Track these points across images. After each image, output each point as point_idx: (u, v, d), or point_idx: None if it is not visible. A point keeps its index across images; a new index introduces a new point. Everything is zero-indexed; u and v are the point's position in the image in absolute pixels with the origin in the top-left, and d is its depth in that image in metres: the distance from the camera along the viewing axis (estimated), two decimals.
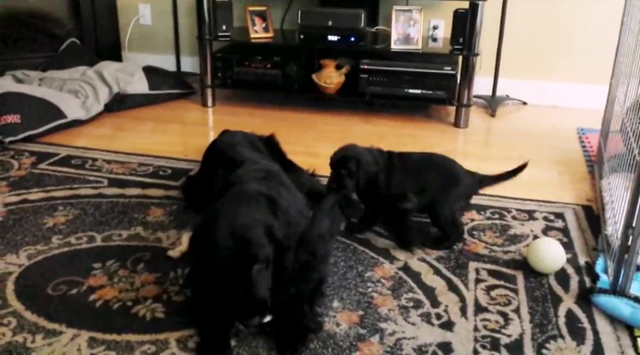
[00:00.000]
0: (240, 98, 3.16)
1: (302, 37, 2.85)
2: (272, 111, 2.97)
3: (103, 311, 1.36)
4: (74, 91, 2.71)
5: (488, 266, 1.60)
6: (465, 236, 1.74)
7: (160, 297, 1.42)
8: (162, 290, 1.45)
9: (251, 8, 2.97)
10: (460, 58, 2.81)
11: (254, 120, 2.85)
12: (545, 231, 1.79)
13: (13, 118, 2.36)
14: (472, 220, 1.85)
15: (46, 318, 1.33)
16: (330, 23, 2.80)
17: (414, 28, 2.76)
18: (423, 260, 1.61)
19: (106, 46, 3.36)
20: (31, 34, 3.31)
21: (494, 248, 1.69)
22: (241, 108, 3.03)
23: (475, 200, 1.98)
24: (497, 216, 1.89)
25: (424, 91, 2.80)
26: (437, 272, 1.55)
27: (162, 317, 1.35)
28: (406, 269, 1.56)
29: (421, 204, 1.69)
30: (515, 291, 1.48)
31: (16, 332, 1.28)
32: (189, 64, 3.52)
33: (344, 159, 1.69)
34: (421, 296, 1.44)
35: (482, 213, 1.90)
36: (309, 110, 2.99)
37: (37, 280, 1.47)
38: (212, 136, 2.62)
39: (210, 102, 3.04)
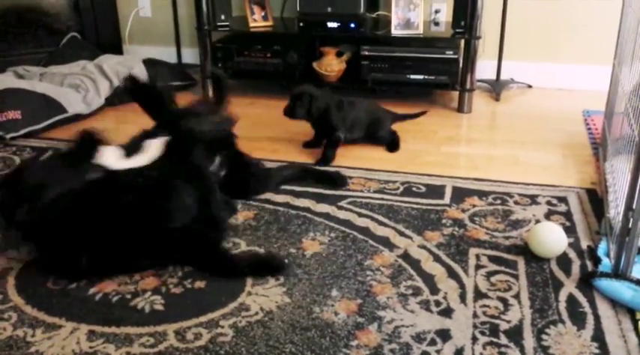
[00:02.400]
0: (241, 88, 3.15)
1: (301, 24, 2.83)
2: (273, 101, 2.95)
3: (102, 305, 1.37)
4: (75, 86, 2.71)
5: (489, 252, 1.58)
6: (466, 222, 1.73)
7: (159, 289, 1.42)
8: (161, 282, 1.45)
9: None
10: (462, 41, 2.78)
11: (255, 110, 2.84)
12: (548, 216, 1.77)
13: (14, 114, 2.36)
14: (473, 206, 1.83)
15: (46, 312, 1.34)
16: (329, 9, 2.77)
17: (415, 12, 2.73)
18: (423, 247, 1.60)
19: (107, 40, 3.36)
20: (32, 29, 3.31)
21: (496, 234, 1.67)
22: (243, 98, 3.02)
23: (476, 185, 1.97)
24: (499, 201, 1.87)
25: (427, 77, 2.77)
26: (437, 259, 1.54)
27: (161, 310, 1.35)
28: (406, 256, 1.55)
29: (355, 136, 2.30)
30: (516, 277, 1.47)
31: (17, 327, 1.29)
32: (190, 55, 3.51)
33: (300, 94, 2.22)
34: (420, 284, 1.43)
35: (483, 198, 1.88)
36: None
37: (37, 275, 1.47)
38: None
39: (211, 93, 3.03)
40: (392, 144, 2.34)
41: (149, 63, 3.04)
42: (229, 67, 3.00)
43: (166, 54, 3.43)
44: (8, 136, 2.33)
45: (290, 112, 2.25)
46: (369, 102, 2.42)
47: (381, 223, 1.73)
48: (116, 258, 1.45)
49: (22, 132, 2.37)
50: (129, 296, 1.39)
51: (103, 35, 3.33)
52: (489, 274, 1.48)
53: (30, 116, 2.40)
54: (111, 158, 1.57)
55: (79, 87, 2.71)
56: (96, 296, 1.40)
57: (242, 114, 2.50)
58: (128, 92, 1.86)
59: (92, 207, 1.43)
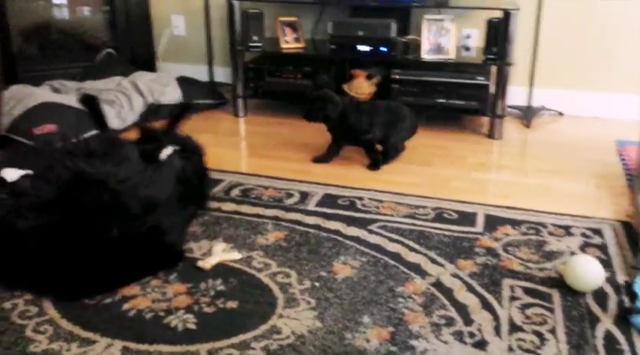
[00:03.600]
0: (271, 108, 3.17)
1: (333, 47, 2.85)
2: (303, 122, 2.95)
3: (136, 321, 1.37)
4: (110, 101, 2.76)
5: (524, 283, 1.56)
6: (500, 251, 1.71)
7: (192, 308, 1.43)
8: (193, 300, 1.46)
9: (282, 19, 2.99)
10: (494, 67, 2.77)
11: (284, 130, 2.86)
12: (583, 248, 1.75)
13: (51, 128, 2.41)
14: (506, 235, 1.81)
15: (81, 327, 1.35)
16: (360, 33, 2.80)
17: (446, 37, 2.74)
18: (455, 275, 1.58)
19: (141, 57, 3.42)
20: (69, 44, 3.40)
21: (530, 264, 1.65)
22: (272, 118, 3.05)
23: (509, 214, 1.95)
24: (532, 231, 1.85)
25: (457, 102, 2.77)
26: (470, 288, 1.53)
27: (194, 329, 1.35)
28: (438, 285, 1.54)
29: (378, 136, 2.36)
30: (552, 310, 1.44)
31: (52, 340, 1.31)
32: (222, 74, 3.55)
33: (317, 97, 2.37)
34: (453, 314, 1.42)
35: (516, 228, 1.86)
36: None
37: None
38: (243, 147, 2.64)
39: (241, 112, 3.07)
40: (379, 159, 2.37)
41: (182, 81, 3.09)
42: (260, 86, 3.04)
43: (198, 72, 3.49)
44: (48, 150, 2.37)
45: (308, 115, 2.36)
46: (389, 103, 2.47)
47: (412, 249, 1.72)
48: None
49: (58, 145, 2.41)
50: (162, 314, 1.40)
51: (137, 52, 3.40)
52: (524, 306, 1.46)
53: (65, 130, 2.45)
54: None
55: (113, 103, 2.76)
56: (130, 312, 1.41)
57: (271, 134, 2.54)
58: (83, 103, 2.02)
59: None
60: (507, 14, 2.58)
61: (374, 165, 2.36)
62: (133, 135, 1.99)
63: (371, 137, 2.34)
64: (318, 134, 2.79)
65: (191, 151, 1.86)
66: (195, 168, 1.82)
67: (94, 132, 2.53)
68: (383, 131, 2.35)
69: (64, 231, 1.45)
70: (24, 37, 3.31)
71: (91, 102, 1.98)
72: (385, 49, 2.78)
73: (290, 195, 2.09)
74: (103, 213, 1.48)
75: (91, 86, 2.91)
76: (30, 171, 1.63)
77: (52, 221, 1.44)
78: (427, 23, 2.72)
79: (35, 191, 1.51)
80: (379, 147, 2.40)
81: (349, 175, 2.30)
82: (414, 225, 1.87)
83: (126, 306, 1.43)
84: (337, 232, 1.82)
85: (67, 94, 2.80)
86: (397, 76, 2.79)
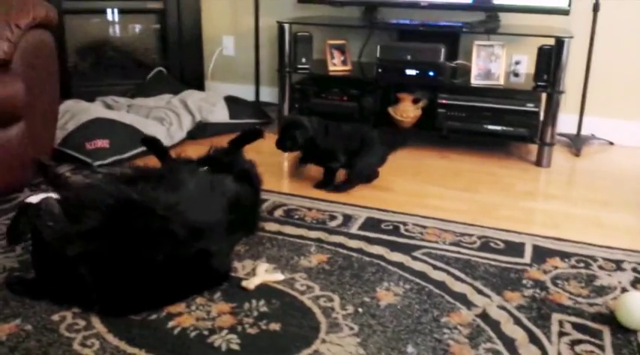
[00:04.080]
0: None
1: (380, 70, 2.86)
2: None
3: (180, 339, 1.39)
4: (159, 119, 2.83)
5: (573, 318, 1.51)
6: (548, 284, 1.67)
7: (235, 328, 1.43)
8: (237, 321, 1.46)
9: (330, 42, 3.03)
10: (544, 94, 2.73)
11: None
12: (634, 284, 1.68)
13: (103, 143, 2.49)
14: (555, 268, 1.76)
15: (127, 342, 1.37)
16: (408, 57, 2.80)
17: (496, 63, 2.72)
18: (502, 307, 1.55)
19: (190, 75, 3.50)
20: (122, 62, 3.52)
21: (579, 299, 1.60)
22: None
23: (557, 246, 1.90)
24: (582, 264, 1.79)
25: (505, 128, 2.73)
26: (517, 322, 1.49)
27: (237, 349, 1.36)
28: (484, 316, 1.50)
29: (345, 161, 2.34)
30: (602, 348, 1.39)
31: None
32: (268, 94, 3.61)
33: (286, 125, 2.35)
34: (500, 347, 1.38)
35: (565, 260, 1.81)
36: None
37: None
38: (286, 167, 2.65)
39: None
40: (329, 181, 2.36)
41: (229, 100, 3.14)
42: (306, 107, 3.07)
43: (245, 91, 3.55)
44: (96, 164, 2.44)
45: (279, 145, 2.34)
46: (360, 127, 2.45)
47: (457, 278, 1.69)
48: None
49: (109, 160, 2.49)
50: (206, 333, 1.41)
51: (187, 71, 3.48)
52: (573, 343, 1.41)
53: (117, 146, 2.52)
54: None
55: (163, 120, 2.83)
56: (174, 330, 1.42)
57: None
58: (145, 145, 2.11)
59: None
60: (560, 42, 2.54)
61: (322, 185, 2.36)
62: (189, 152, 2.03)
63: (337, 165, 2.35)
64: None
65: (249, 177, 1.87)
66: (249, 194, 1.84)
67: (143, 149, 2.60)
68: (347, 157, 2.33)
69: (112, 256, 1.47)
70: (79, 53, 3.45)
71: (152, 143, 2.03)
72: (433, 74, 2.78)
73: (333, 218, 2.09)
74: (149, 239, 1.50)
75: (142, 103, 2.99)
76: (54, 195, 1.66)
77: (99, 247, 1.47)
78: (477, 48, 2.70)
79: (83, 217, 1.54)
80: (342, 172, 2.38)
81: (392, 199, 2.28)
82: (460, 253, 1.84)
83: (171, 324, 1.45)
84: (380, 257, 1.80)
85: (119, 111, 2.88)
86: (444, 101, 2.78)
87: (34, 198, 1.59)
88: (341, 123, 2.44)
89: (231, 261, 1.73)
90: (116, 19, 3.48)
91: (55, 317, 1.46)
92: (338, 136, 2.36)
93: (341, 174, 2.41)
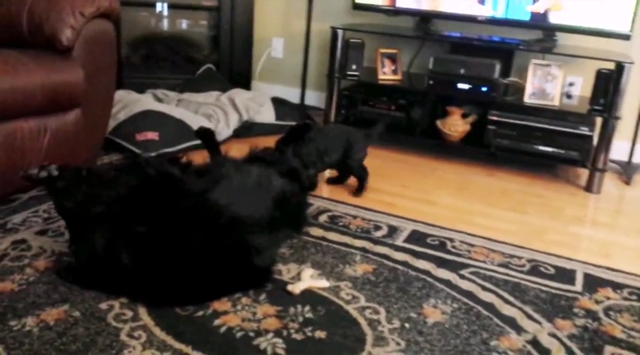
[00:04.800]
0: None
1: (431, 82, 2.83)
2: (391, 153, 2.96)
3: (226, 338, 1.38)
4: (207, 115, 2.85)
5: (626, 352, 1.46)
6: (601, 315, 1.61)
7: (281, 332, 1.42)
8: (282, 325, 1.45)
9: (382, 50, 3.01)
10: (598, 119, 2.66)
11: (372, 160, 2.82)
12: None
13: (153, 135, 2.51)
14: (607, 298, 1.71)
15: (174, 337, 1.36)
16: (462, 71, 2.76)
17: (552, 83, 2.66)
18: (553, 335, 1.50)
19: (238, 74, 3.52)
20: (173, 56, 3.55)
21: (633, 333, 1.54)
22: None
23: (610, 275, 1.84)
24: (635, 297, 1.73)
25: (556, 150, 2.67)
26: (569, 351, 1.44)
27: (282, 354, 1.34)
28: (535, 343, 1.46)
29: (330, 162, 2.31)
30: None
31: (146, 347, 1.33)
32: (312, 98, 3.60)
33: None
34: None
35: (618, 291, 1.75)
36: (429, 156, 2.94)
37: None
38: (330, 172, 2.63)
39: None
40: (359, 184, 2.38)
41: (276, 101, 3.15)
42: (352, 114, 3.05)
43: (290, 94, 3.55)
44: (144, 155, 2.46)
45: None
46: (340, 127, 2.53)
47: (506, 301, 1.65)
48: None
49: (157, 153, 2.50)
50: (252, 334, 1.40)
51: (235, 69, 3.50)
52: None
53: (166, 138, 2.54)
54: None
55: (211, 117, 2.84)
56: (221, 328, 1.42)
57: None
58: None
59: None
60: (620, 67, 2.48)
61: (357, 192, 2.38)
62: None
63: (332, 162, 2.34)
64: (407, 166, 2.77)
65: (297, 176, 1.87)
66: (297, 193, 1.83)
67: (192, 143, 2.62)
68: (338, 157, 2.33)
69: (151, 238, 1.49)
70: (131, 45, 3.50)
71: (207, 135, 2.05)
72: (486, 89, 2.73)
73: (378, 228, 2.06)
74: (182, 217, 1.51)
75: (191, 98, 3.01)
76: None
77: (124, 211, 1.51)
78: (533, 67, 2.65)
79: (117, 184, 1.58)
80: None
81: (437, 213, 2.25)
82: (509, 275, 1.80)
83: (217, 322, 1.44)
84: (427, 273, 1.77)
85: (169, 104, 2.91)
86: (495, 118, 2.73)
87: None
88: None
89: (275, 261, 1.72)
90: (169, 13, 3.52)
91: (103, 306, 1.46)
92: (328, 138, 2.31)
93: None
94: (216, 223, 1.54)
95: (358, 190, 2.37)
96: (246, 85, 3.52)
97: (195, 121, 2.71)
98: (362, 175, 2.39)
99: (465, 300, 1.63)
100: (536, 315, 1.59)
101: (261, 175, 1.77)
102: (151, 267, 1.48)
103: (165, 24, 3.58)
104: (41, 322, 1.38)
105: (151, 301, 1.48)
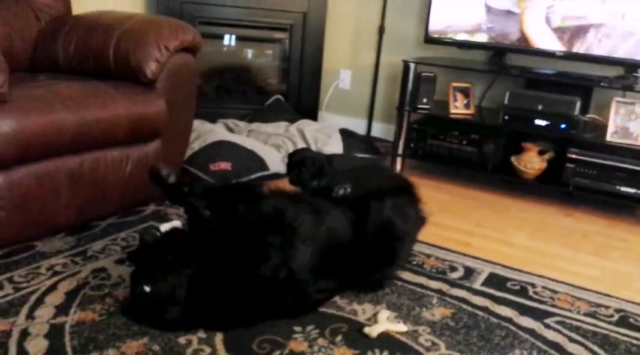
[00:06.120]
0: (428, 171, 3.11)
1: (506, 117, 2.75)
2: (461, 189, 2.88)
3: None
4: (277, 146, 2.87)
5: None
6: None
7: None
8: None
9: (455, 84, 2.96)
10: None
11: (441, 196, 2.78)
12: None
13: (226, 165, 2.54)
14: None
15: None
16: (540, 107, 2.68)
17: (635, 122, 2.54)
18: None
19: (306, 105, 3.54)
20: (243, 87, 3.62)
21: None
22: (429, 180, 2.98)
23: None
24: None
25: (639, 191, 2.53)
26: None
27: None
28: None
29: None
30: None
31: None
32: (379, 129, 3.58)
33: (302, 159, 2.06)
34: None
35: None
36: (502, 193, 2.84)
37: (244, 334, 1.50)
38: None
39: (398, 170, 3.05)
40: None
41: (343, 133, 3.14)
42: (421, 148, 3.00)
43: (356, 125, 3.54)
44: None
45: (296, 179, 2.05)
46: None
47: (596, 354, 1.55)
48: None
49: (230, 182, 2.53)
50: None
51: (303, 100, 3.53)
52: None
53: (238, 169, 2.56)
54: None
55: (280, 147, 2.86)
56: None
57: (428, 198, 2.44)
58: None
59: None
60: None
61: None
62: None
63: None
64: (479, 203, 2.69)
65: (390, 235, 1.80)
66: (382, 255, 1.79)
67: (263, 173, 2.63)
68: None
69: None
70: (204, 76, 3.58)
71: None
72: (565, 126, 2.64)
73: (454, 269, 1.99)
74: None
75: (261, 129, 3.04)
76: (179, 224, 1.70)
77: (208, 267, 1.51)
78: (616, 105, 2.54)
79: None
80: None
81: (514, 255, 2.16)
82: (596, 326, 1.69)
83: None
84: (509, 320, 1.68)
85: (240, 134, 2.95)
86: (575, 156, 2.62)
87: (164, 226, 1.62)
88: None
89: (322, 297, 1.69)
90: (240, 45, 3.60)
91: (182, 340, 1.46)
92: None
93: None
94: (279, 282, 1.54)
95: None
96: (313, 115, 3.54)
97: (266, 152, 2.73)
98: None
99: (552, 352, 1.54)
100: None
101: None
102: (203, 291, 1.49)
103: (235, 55, 3.66)
104: None
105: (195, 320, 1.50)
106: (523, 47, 2.86)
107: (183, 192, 1.66)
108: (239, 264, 1.52)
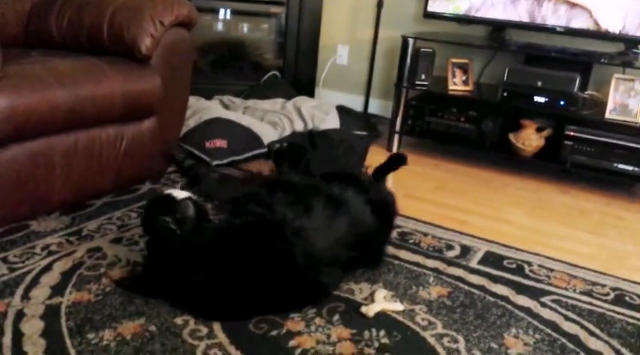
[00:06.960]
0: (425, 148, 3.09)
1: (505, 94, 2.73)
2: (459, 166, 2.87)
3: None
4: (273, 123, 2.84)
5: None
6: None
7: None
8: (357, 350, 1.41)
9: (454, 60, 2.92)
10: None
11: (439, 173, 2.77)
12: None
13: (222, 143, 2.51)
14: None
15: None
16: (539, 84, 2.65)
17: (635, 99, 2.52)
18: None
19: (303, 81, 3.50)
20: (239, 63, 3.57)
21: None
22: (426, 158, 2.96)
23: None
24: None
25: (637, 169, 2.52)
26: None
27: None
28: None
29: None
30: None
31: None
32: (377, 106, 3.55)
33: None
34: None
35: None
36: (500, 170, 2.83)
37: None
38: (398, 185, 2.57)
39: (395, 147, 3.03)
40: None
41: (340, 110, 3.11)
42: (419, 125, 2.98)
43: (353, 102, 3.51)
44: (213, 163, 2.47)
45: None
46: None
47: (592, 333, 1.55)
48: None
49: (226, 160, 2.51)
50: None
51: (300, 76, 3.48)
52: None
53: (234, 146, 2.54)
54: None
55: (276, 124, 2.83)
56: (296, 350, 1.39)
57: (425, 176, 2.44)
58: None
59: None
60: None
61: None
62: None
63: None
64: (476, 181, 2.68)
65: (385, 209, 1.81)
66: (380, 229, 1.78)
67: (258, 151, 2.61)
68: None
69: (229, 268, 1.49)
70: (199, 51, 3.52)
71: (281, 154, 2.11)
72: (563, 103, 2.62)
73: (450, 247, 1.99)
74: (271, 260, 1.50)
75: (257, 106, 3.01)
76: (193, 195, 1.68)
77: (218, 256, 1.50)
78: (616, 82, 2.52)
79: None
80: None
81: (510, 233, 2.16)
82: (592, 304, 1.70)
83: (292, 343, 1.41)
84: (505, 299, 1.69)
85: (236, 111, 2.92)
86: (572, 133, 2.60)
87: (178, 193, 1.61)
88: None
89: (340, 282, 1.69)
90: (235, 19, 3.54)
91: (179, 321, 1.46)
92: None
93: None
94: (298, 262, 1.51)
95: None
96: (309, 92, 3.50)
97: (262, 129, 2.71)
98: None
99: (548, 331, 1.55)
100: (623, 350, 1.49)
101: (356, 210, 1.71)
102: (220, 289, 1.48)
103: (230, 30, 3.60)
104: (118, 335, 1.39)
105: (205, 311, 1.49)
106: (523, 23, 2.82)
107: (198, 175, 1.66)
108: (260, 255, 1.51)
